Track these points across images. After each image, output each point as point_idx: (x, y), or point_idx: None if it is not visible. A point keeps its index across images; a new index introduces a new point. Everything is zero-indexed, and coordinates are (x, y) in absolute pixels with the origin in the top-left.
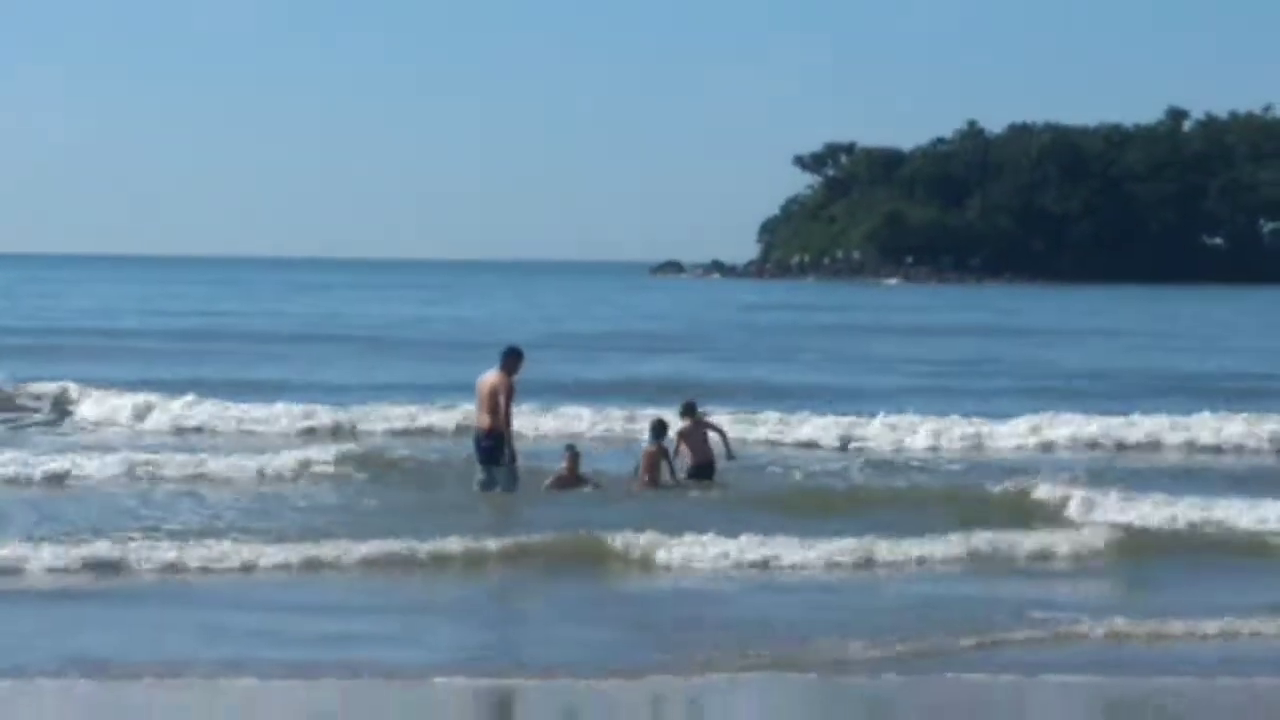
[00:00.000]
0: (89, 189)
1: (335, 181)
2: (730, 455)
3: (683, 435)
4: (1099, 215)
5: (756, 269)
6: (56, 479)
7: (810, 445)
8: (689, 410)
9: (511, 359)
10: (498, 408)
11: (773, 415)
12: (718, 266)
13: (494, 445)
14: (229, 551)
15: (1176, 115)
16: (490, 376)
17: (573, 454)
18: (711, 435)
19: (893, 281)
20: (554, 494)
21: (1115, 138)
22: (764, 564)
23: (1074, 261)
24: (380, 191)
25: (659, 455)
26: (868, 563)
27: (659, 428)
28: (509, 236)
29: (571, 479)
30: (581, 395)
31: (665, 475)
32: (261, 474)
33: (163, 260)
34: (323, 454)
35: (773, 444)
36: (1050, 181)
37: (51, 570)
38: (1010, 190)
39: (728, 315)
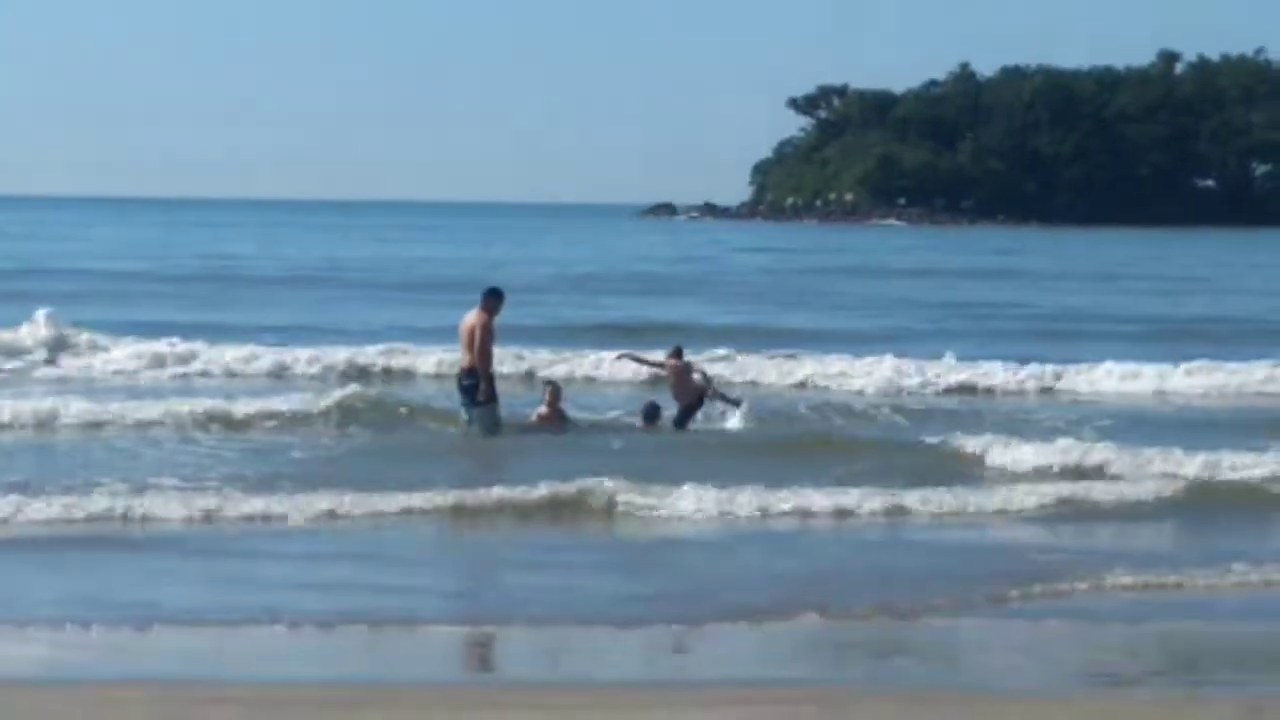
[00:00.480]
0: (84, 129)
1: (320, 122)
2: (709, 397)
3: (673, 370)
4: (1091, 158)
5: (749, 211)
6: (50, 424)
7: (820, 388)
8: (676, 353)
9: (491, 299)
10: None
11: (777, 358)
12: (710, 209)
13: (474, 384)
14: (221, 501)
15: (1168, 58)
16: (470, 316)
17: (553, 389)
18: (695, 378)
19: (897, 224)
20: (536, 430)
21: (1107, 80)
22: (779, 512)
23: (1066, 204)
24: (365, 133)
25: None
26: (896, 510)
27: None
28: (496, 178)
29: (553, 414)
30: (581, 338)
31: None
32: (254, 419)
33: (157, 202)
34: (309, 401)
35: (772, 387)
36: (1042, 124)
37: (50, 520)
38: (1002, 132)
39: (735, 259)
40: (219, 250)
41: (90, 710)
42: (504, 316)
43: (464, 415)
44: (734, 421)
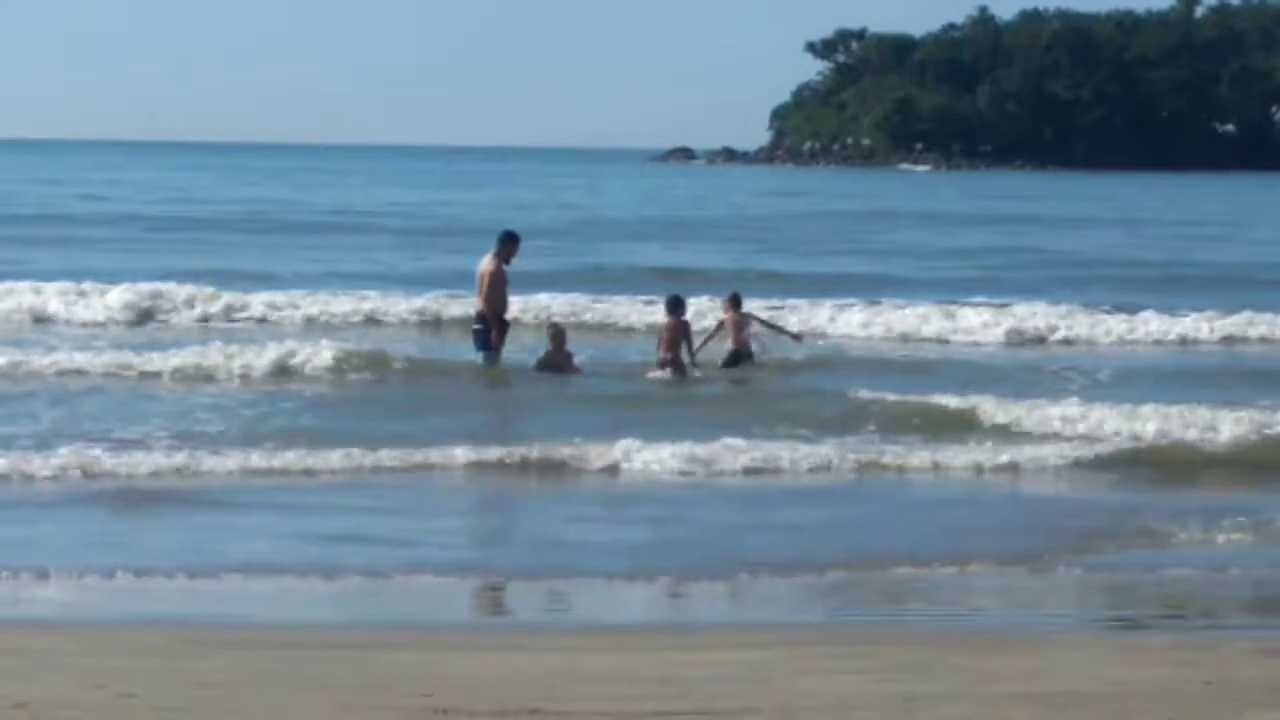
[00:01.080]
0: (93, 74)
1: (329, 62)
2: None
3: (732, 323)
4: (1110, 102)
5: (767, 155)
6: (36, 374)
7: (844, 336)
8: (734, 302)
9: (505, 243)
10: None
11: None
12: (728, 153)
13: (484, 328)
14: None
15: (1188, 1)
16: (484, 261)
17: (556, 331)
18: (754, 328)
19: (920, 169)
20: (544, 375)
21: (1127, 24)
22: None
23: (1085, 149)
24: (378, 77)
25: (678, 331)
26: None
27: (675, 303)
28: (512, 123)
29: (558, 357)
30: (605, 284)
31: (684, 355)
32: (251, 373)
33: (175, 146)
34: (317, 352)
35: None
36: (1061, 68)
37: (50, 478)
38: (1021, 77)
39: (758, 204)
40: (251, 195)
41: (106, 651)
42: (525, 262)
43: (479, 360)
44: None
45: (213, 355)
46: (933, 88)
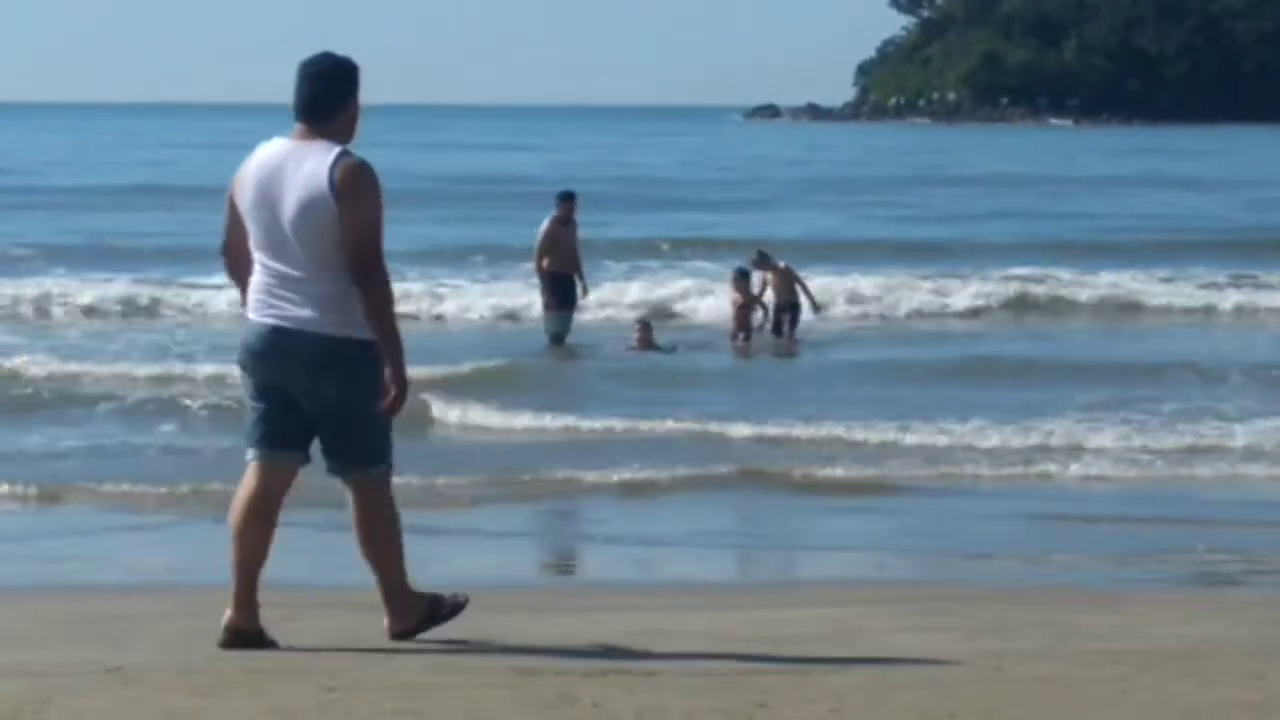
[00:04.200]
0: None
1: (416, 21)
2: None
3: (783, 274)
4: (1196, 54)
5: (853, 112)
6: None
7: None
8: (762, 261)
9: (559, 202)
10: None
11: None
12: (814, 110)
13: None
14: None
15: None
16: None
17: (644, 325)
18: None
19: (1065, 123)
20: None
21: None
22: None
23: (1171, 101)
24: (463, 31)
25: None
26: None
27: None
28: (600, 82)
29: (645, 348)
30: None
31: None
32: None
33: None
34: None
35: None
36: (1147, 20)
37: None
38: (1107, 30)
39: (897, 167)
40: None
41: (191, 613)
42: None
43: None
44: None
45: None
46: (1019, 41)
